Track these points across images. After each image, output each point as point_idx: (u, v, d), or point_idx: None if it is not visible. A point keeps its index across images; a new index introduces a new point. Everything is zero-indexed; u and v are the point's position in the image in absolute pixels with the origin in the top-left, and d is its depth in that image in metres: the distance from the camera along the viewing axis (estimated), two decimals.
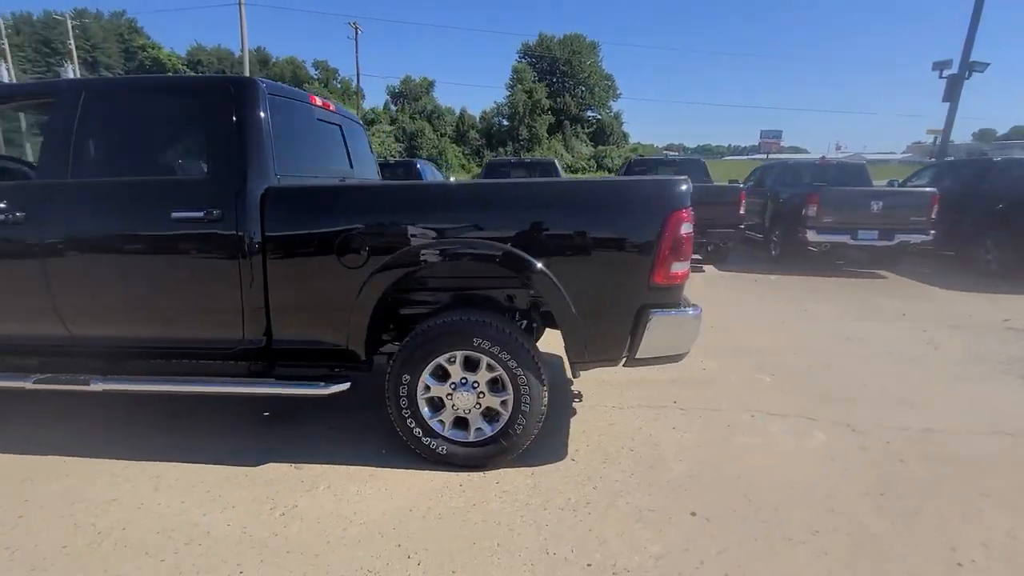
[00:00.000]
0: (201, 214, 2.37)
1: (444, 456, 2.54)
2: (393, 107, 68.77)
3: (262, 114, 2.47)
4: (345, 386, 2.53)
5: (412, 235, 2.36)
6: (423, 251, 2.35)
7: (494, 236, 2.34)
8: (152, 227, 2.43)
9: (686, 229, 2.33)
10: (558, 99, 54.65)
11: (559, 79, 56.55)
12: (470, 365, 2.49)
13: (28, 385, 2.55)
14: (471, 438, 2.54)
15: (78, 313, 2.55)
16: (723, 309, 5.73)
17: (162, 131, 2.55)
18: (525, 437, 2.51)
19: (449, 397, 2.51)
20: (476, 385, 2.49)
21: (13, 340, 2.66)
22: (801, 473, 2.55)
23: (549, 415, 2.59)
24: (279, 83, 2.71)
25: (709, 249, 8.91)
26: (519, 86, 52.45)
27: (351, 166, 3.46)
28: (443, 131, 51.11)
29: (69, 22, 39.09)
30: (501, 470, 2.55)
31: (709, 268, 8.41)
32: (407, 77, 68.51)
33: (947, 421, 3.08)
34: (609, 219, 2.35)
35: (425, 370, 2.48)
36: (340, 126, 3.37)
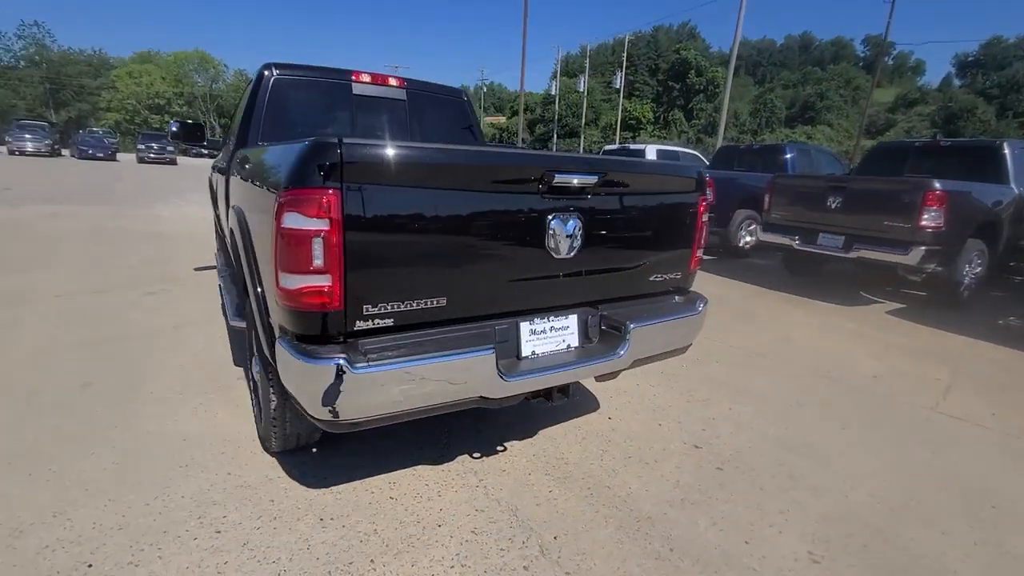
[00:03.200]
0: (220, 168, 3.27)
1: (255, 416, 2.59)
2: (957, 81, 53.10)
3: (259, 91, 3.04)
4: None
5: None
6: None
7: None
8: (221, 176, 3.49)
9: (299, 223, 1.43)
10: None
11: None
12: None
13: None
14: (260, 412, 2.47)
15: None
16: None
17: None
18: (267, 437, 2.23)
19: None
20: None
21: None
22: None
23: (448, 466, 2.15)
24: (302, 64, 3.16)
25: None
26: None
27: (413, 137, 3.54)
28: (1020, 108, 35.44)
29: (626, 39, 49.16)
30: (283, 461, 2.33)
31: None
32: (995, 38, 50.94)
33: None
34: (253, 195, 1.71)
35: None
36: (405, 101, 3.50)
